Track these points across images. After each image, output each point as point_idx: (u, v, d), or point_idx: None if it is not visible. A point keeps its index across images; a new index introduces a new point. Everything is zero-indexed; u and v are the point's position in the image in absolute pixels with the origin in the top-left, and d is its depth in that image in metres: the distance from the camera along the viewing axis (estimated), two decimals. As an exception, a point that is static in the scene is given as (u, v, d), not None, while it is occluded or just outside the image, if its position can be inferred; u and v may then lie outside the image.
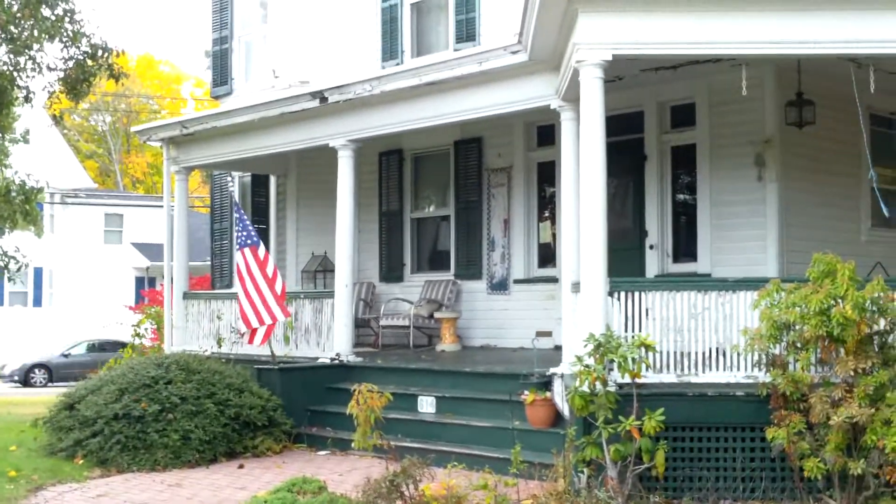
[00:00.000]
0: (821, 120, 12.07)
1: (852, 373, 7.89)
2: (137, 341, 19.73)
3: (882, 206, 10.40)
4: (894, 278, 9.29)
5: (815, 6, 9.17)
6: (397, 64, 16.12)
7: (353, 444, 8.86)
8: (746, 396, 8.66)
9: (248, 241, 13.06)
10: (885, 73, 10.80)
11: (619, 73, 11.04)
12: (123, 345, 36.60)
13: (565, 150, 11.01)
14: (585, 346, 8.68)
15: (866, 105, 12.05)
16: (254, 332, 13.06)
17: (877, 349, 8.19)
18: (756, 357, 8.68)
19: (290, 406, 12.49)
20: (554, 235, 14.29)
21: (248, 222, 13.41)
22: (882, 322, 8.25)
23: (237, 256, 13.41)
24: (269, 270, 12.99)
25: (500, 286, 14.92)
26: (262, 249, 13.12)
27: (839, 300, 8.03)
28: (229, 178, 19.08)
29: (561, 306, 11.13)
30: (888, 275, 11.87)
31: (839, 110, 11.83)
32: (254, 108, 14.63)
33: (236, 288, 13.99)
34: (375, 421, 8.66)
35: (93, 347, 37.07)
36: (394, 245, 16.50)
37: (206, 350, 14.89)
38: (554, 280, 13.77)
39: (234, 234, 13.87)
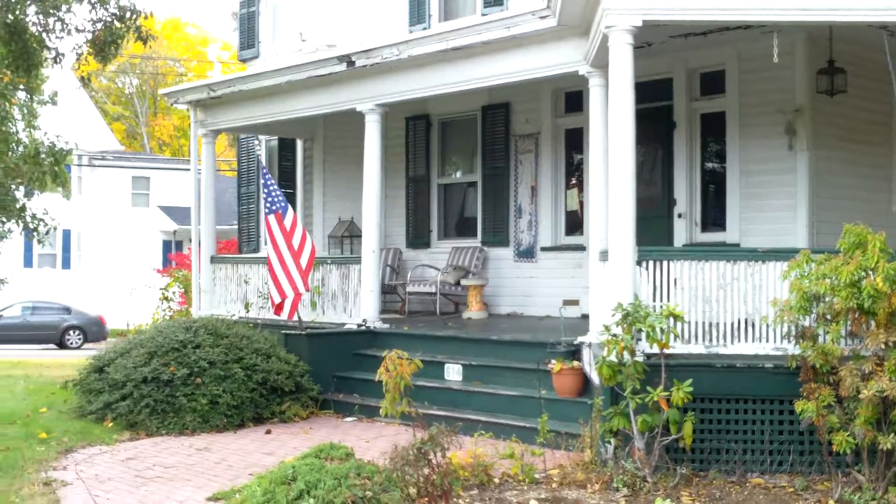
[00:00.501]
0: (852, 89, 11.91)
1: (883, 346, 7.82)
2: (164, 305, 19.87)
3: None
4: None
5: (848, -28, 9.05)
6: (424, 28, 16.02)
7: (380, 412, 8.87)
8: (775, 368, 8.62)
9: (274, 207, 13.07)
10: (918, 41, 10.67)
11: (648, 39, 10.96)
12: (66, 309, 35.91)
13: (594, 117, 10.93)
14: (613, 315, 8.66)
15: (899, 72, 11.91)
16: (280, 305, 13.09)
17: (908, 322, 8.11)
18: (785, 329, 8.63)
19: (316, 372, 12.55)
20: (581, 203, 14.21)
21: (273, 187, 13.37)
22: (914, 295, 8.16)
23: (264, 223, 13.42)
24: (296, 239, 12.98)
25: (526, 254, 14.88)
26: (289, 216, 13.09)
27: (870, 272, 7.95)
28: (256, 142, 19.09)
29: (588, 275, 11.10)
30: (919, 246, 11.77)
31: (871, 79, 11.70)
32: (281, 72, 14.60)
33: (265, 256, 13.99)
34: (404, 388, 8.66)
35: (28, 310, 36.01)
36: (420, 211, 16.49)
37: (234, 314, 14.99)
38: (581, 248, 13.73)
39: (262, 200, 13.86)
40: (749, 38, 11.49)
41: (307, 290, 13.26)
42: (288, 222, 13.04)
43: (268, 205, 13.15)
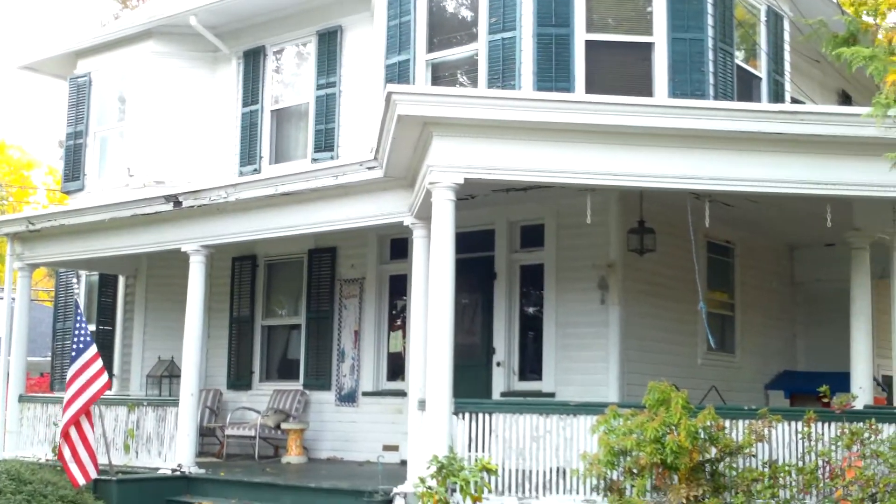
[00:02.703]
0: (661, 246, 12.56)
1: (685, 500, 8.15)
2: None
3: (709, 336, 10.91)
4: (724, 406, 9.73)
5: (655, 143, 9.70)
6: (255, 170, 16.17)
7: (189, 565, 8.68)
8: (585, 521, 8.84)
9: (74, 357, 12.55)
10: (721, 205, 11.41)
11: (472, 192, 11.36)
12: None
13: (416, 269, 11.15)
14: (429, 467, 8.75)
15: (703, 233, 12.66)
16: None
17: (708, 476, 8.50)
18: (594, 481, 8.88)
19: (126, 519, 12.10)
20: (404, 347, 14.36)
21: (80, 333, 12.80)
22: (713, 450, 8.58)
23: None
24: (69, 392, 12.39)
25: (348, 398, 14.87)
26: (75, 365, 12.54)
27: (673, 428, 8.32)
28: (75, 280, 18.62)
29: (408, 419, 11.17)
30: (722, 398, 12.40)
31: (678, 237, 12.32)
32: (105, 208, 14.40)
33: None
34: (214, 541, 8.51)
35: None
36: (243, 352, 16.31)
37: (41, 458, 14.35)
38: (402, 394, 13.79)
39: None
40: (567, 195, 11.99)
41: (61, 456, 12.53)
42: (71, 372, 12.49)
43: (73, 353, 12.66)
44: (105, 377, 12.47)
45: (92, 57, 18.35)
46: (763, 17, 14.29)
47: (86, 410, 12.31)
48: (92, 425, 12.52)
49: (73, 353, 12.56)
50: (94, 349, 12.55)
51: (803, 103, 14.68)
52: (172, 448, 13.35)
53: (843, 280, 12.04)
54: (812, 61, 15.74)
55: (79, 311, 13.36)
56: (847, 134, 9.52)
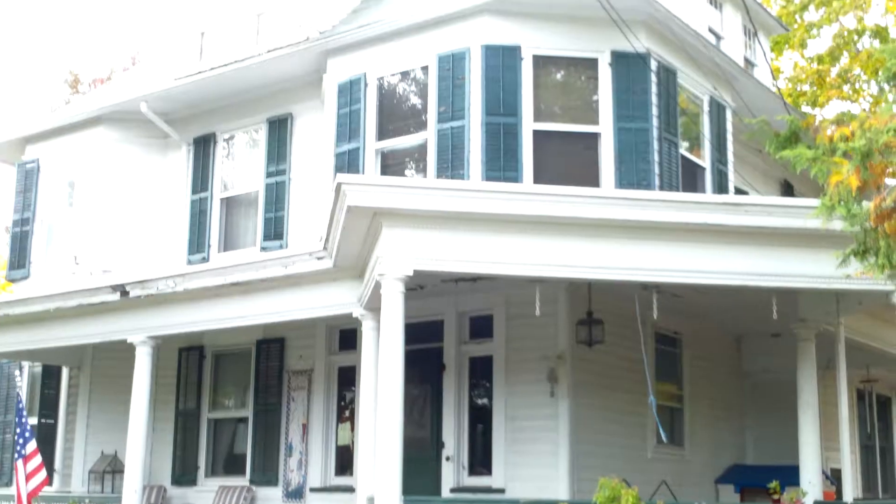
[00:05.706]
0: (610, 337, 12.49)
1: None
2: None
3: (660, 430, 10.87)
4: (675, 502, 9.62)
5: (602, 234, 9.78)
6: (203, 258, 16.01)
7: None
8: None
9: (22, 452, 12.31)
10: (668, 296, 11.45)
11: (421, 282, 11.30)
12: None
13: (366, 361, 11.07)
14: (376, 568, 8.57)
15: (652, 323, 12.69)
16: None
17: (660, 575, 8.38)
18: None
19: None
20: (353, 441, 14.11)
21: (23, 427, 12.64)
22: (664, 548, 8.48)
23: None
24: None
25: (295, 494, 14.48)
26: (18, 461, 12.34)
27: (624, 526, 8.23)
28: (17, 372, 18.21)
29: (357, 517, 10.96)
30: (672, 493, 12.30)
31: (627, 328, 12.30)
32: (50, 298, 14.19)
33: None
34: None
35: None
36: (189, 446, 15.93)
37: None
38: (351, 489, 13.49)
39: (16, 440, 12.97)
40: (516, 286, 11.91)
41: None
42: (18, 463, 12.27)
43: (18, 447, 12.44)
44: (43, 473, 12.24)
45: (41, 142, 18.21)
46: (706, 108, 14.57)
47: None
48: None
49: (18, 448, 12.37)
50: (33, 444, 12.35)
51: (747, 193, 14.89)
52: (114, 548, 13.00)
53: (790, 370, 12.08)
54: (755, 151, 16.01)
55: (20, 407, 13.12)
56: (790, 226, 9.66)
